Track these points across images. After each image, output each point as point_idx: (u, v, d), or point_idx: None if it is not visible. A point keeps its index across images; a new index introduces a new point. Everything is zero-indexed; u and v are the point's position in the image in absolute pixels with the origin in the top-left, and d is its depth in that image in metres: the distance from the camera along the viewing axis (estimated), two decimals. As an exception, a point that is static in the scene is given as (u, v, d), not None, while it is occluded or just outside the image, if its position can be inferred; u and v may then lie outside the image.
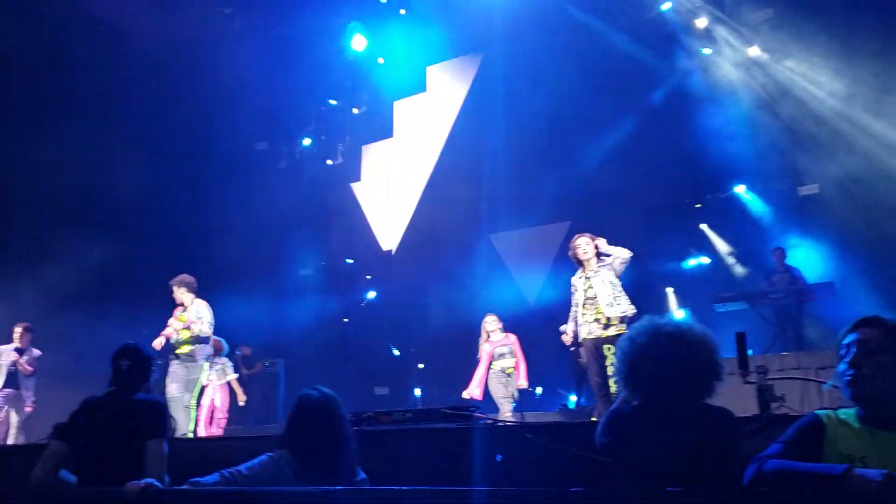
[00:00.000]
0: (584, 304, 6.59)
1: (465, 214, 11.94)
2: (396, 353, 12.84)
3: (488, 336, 8.60)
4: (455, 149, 12.79)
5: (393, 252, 13.51)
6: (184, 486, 3.10)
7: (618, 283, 6.58)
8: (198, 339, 7.51)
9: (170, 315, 7.71)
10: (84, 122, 11.11)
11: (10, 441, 8.91)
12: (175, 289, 7.71)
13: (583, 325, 6.58)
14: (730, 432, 2.52)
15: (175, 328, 7.49)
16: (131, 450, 3.53)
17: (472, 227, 11.98)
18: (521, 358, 8.50)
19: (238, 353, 11.43)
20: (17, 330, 9.35)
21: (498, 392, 8.37)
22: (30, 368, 9.29)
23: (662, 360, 2.58)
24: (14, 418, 9.18)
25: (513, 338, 8.61)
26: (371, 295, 13.63)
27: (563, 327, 7.05)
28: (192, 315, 7.57)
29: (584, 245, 6.72)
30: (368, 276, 13.81)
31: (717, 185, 10.84)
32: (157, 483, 3.19)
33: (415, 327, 12.48)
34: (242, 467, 3.15)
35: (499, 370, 8.42)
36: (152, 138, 12.27)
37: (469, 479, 3.74)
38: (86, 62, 11.38)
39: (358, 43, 13.15)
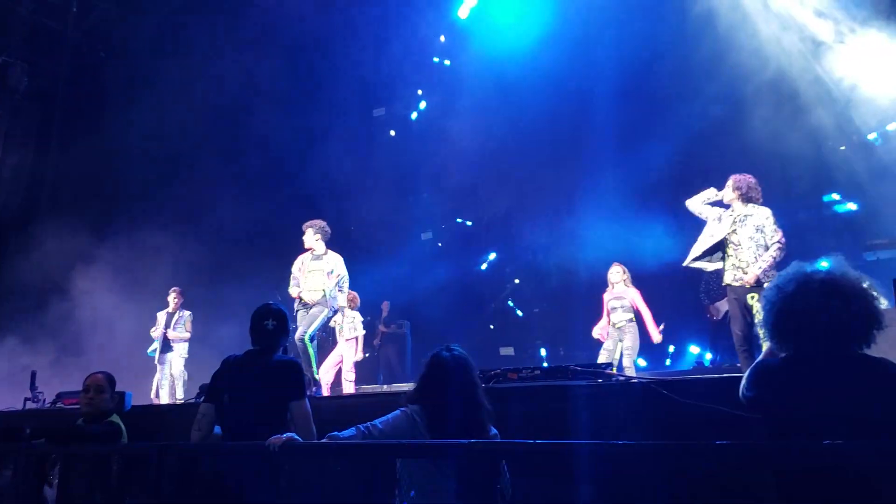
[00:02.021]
0: (727, 245, 6.11)
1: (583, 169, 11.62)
2: (516, 309, 12.83)
3: (612, 286, 8.41)
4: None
5: (514, 211, 13.40)
6: (322, 440, 3.24)
7: (770, 236, 5.97)
8: (328, 289, 7.52)
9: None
10: (225, 90, 11.71)
11: (167, 400, 9.58)
12: (308, 232, 7.74)
13: (728, 269, 6.12)
14: (893, 384, 2.31)
15: (310, 291, 7.49)
16: (274, 408, 3.68)
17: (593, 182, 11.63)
18: (645, 312, 8.14)
19: (381, 309, 12.02)
20: (171, 294, 9.98)
21: (607, 345, 8.16)
22: (185, 334, 9.91)
23: (814, 310, 2.40)
24: (169, 378, 9.84)
25: (633, 292, 8.29)
26: (492, 256, 13.63)
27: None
28: (326, 268, 7.58)
29: (725, 188, 6.24)
30: (489, 238, 13.80)
31: (863, 124, 9.96)
32: (298, 437, 3.33)
33: (537, 287, 12.39)
34: (377, 422, 3.25)
35: (610, 324, 8.22)
36: (279, 109, 12.74)
37: (601, 434, 3.66)
38: (219, 32, 11.90)
39: (464, 9, 12.98)
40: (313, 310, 7.42)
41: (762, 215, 6.06)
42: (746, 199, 6.18)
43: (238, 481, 3.49)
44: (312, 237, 7.71)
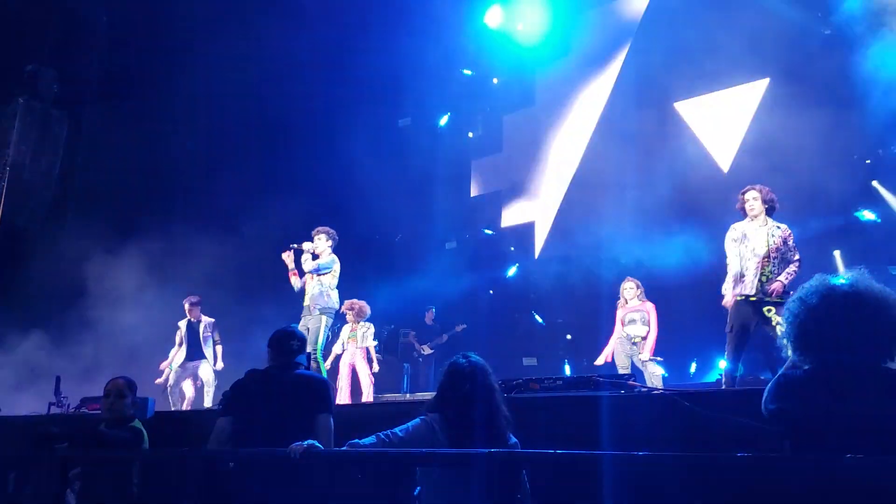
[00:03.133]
0: (752, 258, 5.96)
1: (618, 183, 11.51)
2: (539, 319, 12.77)
3: (626, 301, 8.32)
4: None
5: (537, 222, 13.37)
6: (343, 448, 3.24)
7: (793, 251, 6.00)
8: (313, 292, 7.51)
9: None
10: (255, 95, 12.07)
11: (188, 407, 9.47)
12: (316, 238, 7.71)
13: (746, 282, 5.96)
14: (920, 399, 2.27)
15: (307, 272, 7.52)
16: (299, 422, 3.65)
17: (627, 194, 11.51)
18: (653, 328, 8.02)
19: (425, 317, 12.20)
20: (185, 305, 9.66)
21: (619, 359, 8.02)
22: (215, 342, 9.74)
23: (838, 322, 2.38)
24: (191, 388, 9.69)
25: (649, 306, 8.20)
26: (514, 267, 13.59)
27: (725, 291, 6.20)
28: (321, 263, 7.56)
29: (751, 199, 6.10)
30: (512, 248, 13.77)
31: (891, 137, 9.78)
32: (319, 445, 3.34)
33: (560, 297, 12.31)
34: (397, 429, 3.26)
35: (625, 336, 8.09)
36: (308, 117, 12.91)
37: (623, 445, 3.63)
38: (249, 37, 12.05)
39: (493, 17, 13.02)
40: (311, 322, 7.42)
41: (786, 231, 6.08)
42: (771, 210, 6.14)
43: (259, 489, 3.50)
44: (325, 243, 7.71)
